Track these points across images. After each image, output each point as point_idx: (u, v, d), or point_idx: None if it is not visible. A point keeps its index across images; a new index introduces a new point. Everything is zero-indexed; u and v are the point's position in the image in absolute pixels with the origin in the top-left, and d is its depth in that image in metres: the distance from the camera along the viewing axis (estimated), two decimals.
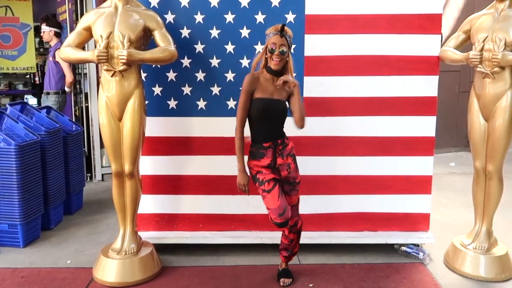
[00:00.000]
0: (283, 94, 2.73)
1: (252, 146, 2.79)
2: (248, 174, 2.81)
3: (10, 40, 6.85)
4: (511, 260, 3.16)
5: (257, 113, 2.71)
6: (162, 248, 3.36)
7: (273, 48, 2.62)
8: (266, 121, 2.73)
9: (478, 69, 3.01)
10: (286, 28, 2.65)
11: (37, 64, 7.13)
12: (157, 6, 3.18)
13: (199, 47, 3.24)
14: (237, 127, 2.75)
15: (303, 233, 3.39)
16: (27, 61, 7.00)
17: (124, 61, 2.80)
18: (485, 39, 2.96)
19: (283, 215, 2.71)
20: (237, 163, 2.76)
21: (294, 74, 3.15)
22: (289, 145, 2.82)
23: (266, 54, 2.68)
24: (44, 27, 5.06)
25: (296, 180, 2.85)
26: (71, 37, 2.97)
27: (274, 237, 3.37)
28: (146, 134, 3.13)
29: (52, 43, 5.13)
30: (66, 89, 5.11)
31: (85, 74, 5.55)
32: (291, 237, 2.95)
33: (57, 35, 5.08)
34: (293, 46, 3.21)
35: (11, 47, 6.91)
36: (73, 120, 5.18)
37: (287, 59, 2.69)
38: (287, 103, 2.78)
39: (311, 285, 3.01)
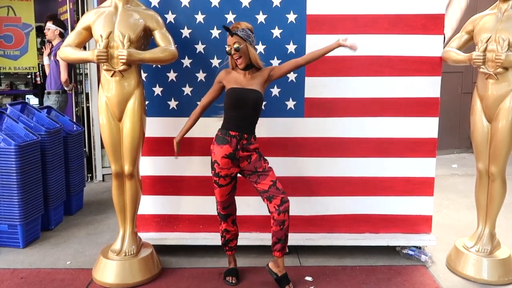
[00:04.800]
0: (258, 85, 2.81)
1: (219, 131, 2.87)
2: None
3: (12, 40, 6.84)
4: None
5: (229, 101, 2.81)
6: (162, 249, 3.34)
7: (229, 49, 2.74)
8: (237, 110, 2.80)
9: (481, 70, 2.99)
10: (235, 24, 2.77)
11: (38, 64, 7.14)
12: (157, 6, 3.17)
13: (200, 47, 3.22)
14: (196, 109, 2.97)
15: (303, 235, 3.39)
16: (29, 61, 6.99)
17: (124, 61, 2.78)
18: (488, 40, 2.93)
19: (227, 209, 2.95)
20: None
21: (295, 75, 3.14)
22: (253, 145, 2.85)
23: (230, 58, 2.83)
24: (50, 25, 5.07)
25: (259, 170, 2.82)
26: (71, 37, 2.96)
27: None
28: (146, 135, 3.11)
29: (55, 43, 5.14)
30: (65, 88, 5.11)
31: (86, 74, 5.55)
32: (281, 218, 2.80)
33: (61, 35, 5.09)
34: (295, 47, 3.21)
35: (13, 47, 6.90)
36: (74, 120, 5.17)
37: (248, 50, 2.75)
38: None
39: (312, 287, 2.99)
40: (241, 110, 2.80)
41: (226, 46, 2.75)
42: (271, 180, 2.82)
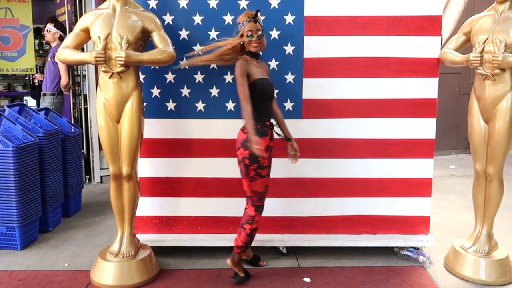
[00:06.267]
0: (267, 74, 2.96)
1: (256, 124, 2.75)
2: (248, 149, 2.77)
3: (10, 41, 6.84)
4: (511, 264, 3.14)
5: (263, 92, 2.85)
6: (160, 251, 3.34)
7: (251, 34, 2.81)
8: (268, 101, 2.91)
9: (478, 71, 3.00)
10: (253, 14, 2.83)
11: (36, 66, 7.13)
12: (155, 8, 3.17)
13: (198, 49, 3.22)
14: (247, 106, 2.69)
15: (301, 236, 3.41)
16: (26, 63, 6.99)
17: (122, 62, 2.78)
18: (485, 41, 2.94)
19: (263, 200, 2.95)
20: (251, 135, 2.65)
21: (293, 76, 3.15)
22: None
23: (242, 41, 2.87)
24: (51, 28, 5.06)
25: (270, 166, 2.98)
26: (69, 39, 2.96)
27: (273, 239, 3.37)
28: (145, 136, 3.11)
29: (53, 44, 5.14)
30: (63, 89, 5.10)
31: (84, 75, 5.54)
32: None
33: (61, 38, 5.08)
34: (293, 48, 3.22)
35: (11, 48, 6.89)
36: (72, 121, 5.16)
37: (264, 41, 2.91)
38: None
39: None
40: (269, 101, 2.92)
41: (248, 31, 2.80)
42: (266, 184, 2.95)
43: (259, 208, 2.94)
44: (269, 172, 2.95)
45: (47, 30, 5.09)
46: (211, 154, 3.32)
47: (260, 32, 2.81)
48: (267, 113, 2.91)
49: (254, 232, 2.94)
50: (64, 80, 4.96)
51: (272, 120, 2.99)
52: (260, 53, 2.94)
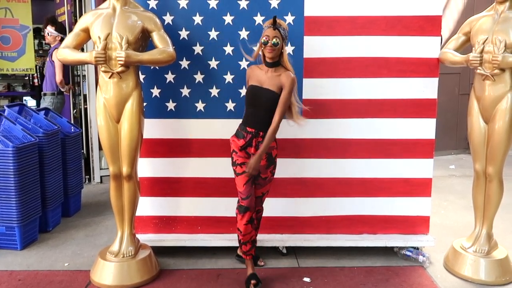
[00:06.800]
0: (275, 86, 2.83)
1: (239, 126, 2.94)
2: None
3: (10, 41, 6.84)
4: (511, 263, 3.15)
5: (247, 98, 2.93)
6: (160, 251, 3.34)
7: (267, 40, 2.76)
8: (253, 107, 2.88)
9: (478, 71, 3.00)
10: (279, 20, 2.79)
11: (36, 66, 7.13)
12: (155, 8, 3.17)
13: (198, 49, 3.22)
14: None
15: (301, 236, 3.41)
16: (26, 63, 6.99)
17: (122, 62, 2.78)
18: (485, 41, 2.95)
19: (246, 200, 2.89)
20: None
21: (295, 76, 3.15)
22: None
23: (262, 47, 2.81)
24: (52, 31, 5.08)
25: (262, 176, 2.94)
26: (69, 39, 2.96)
27: (273, 239, 3.37)
28: (144, 136, 3.11)
29: (52, 45, 5.15)
30: (61, 89, 5.10)
31: (84, 75, 5.55)
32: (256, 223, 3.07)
33: (62, 40, 5.09)
34: (292, 48, 3.22)
35: (11, 48, 6.89)
36: (72, 121, 5.16)
37: (282, 50, 2.82)
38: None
39: None
40: (257, 108, 2.87)
41: (265, 36, 2.76)
42: (262, 192, 3.02)
43: (239, 207, 2.92)
44: (247, 173, 2.85)
45: (48, 33, 5.10)
46: (211, 154, 3.32)
47: (275, 40, 2.73)
48: (250, 119, 2.88)
49: (237, 232, 2.97)
50: (58, 78, 4.96)
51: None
52: (287, 64, 2.84)
